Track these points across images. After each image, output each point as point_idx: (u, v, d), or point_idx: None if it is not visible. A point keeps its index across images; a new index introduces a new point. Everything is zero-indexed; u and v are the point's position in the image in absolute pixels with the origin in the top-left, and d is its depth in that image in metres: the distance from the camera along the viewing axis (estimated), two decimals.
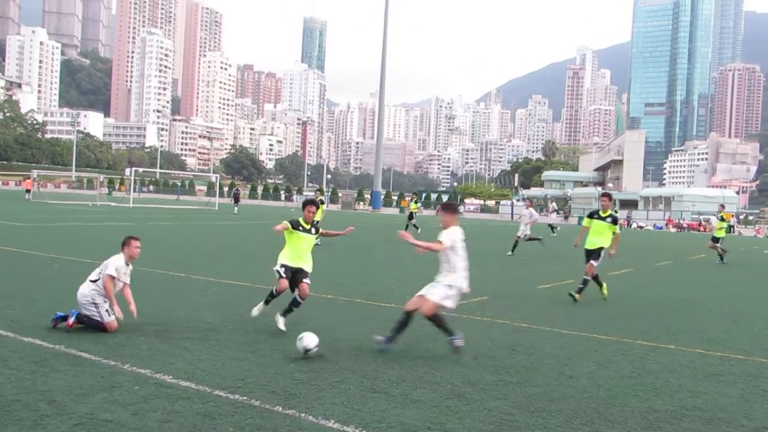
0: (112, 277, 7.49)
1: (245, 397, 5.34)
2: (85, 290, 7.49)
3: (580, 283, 11.79)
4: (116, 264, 7.62)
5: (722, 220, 23.90)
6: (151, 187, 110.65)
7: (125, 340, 7.06)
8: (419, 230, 29.01)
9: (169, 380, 5.68)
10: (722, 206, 25.76)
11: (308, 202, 8.37)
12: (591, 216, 12.26)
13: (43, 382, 5.48)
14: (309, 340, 6.73)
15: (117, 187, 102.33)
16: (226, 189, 59.59)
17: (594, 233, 12.03)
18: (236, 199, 50.12)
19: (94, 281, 7.51)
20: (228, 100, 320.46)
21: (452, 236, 7.02)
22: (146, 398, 5.20)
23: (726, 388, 6.38)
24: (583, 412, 5.42)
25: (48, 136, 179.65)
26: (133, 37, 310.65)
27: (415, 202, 32.39)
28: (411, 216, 30.66)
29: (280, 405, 5.19)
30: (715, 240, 23.16)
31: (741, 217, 62.41)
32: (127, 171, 79.49)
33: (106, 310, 7.40)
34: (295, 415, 5.00)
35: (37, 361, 6.07)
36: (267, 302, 8.09)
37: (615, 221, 12.10)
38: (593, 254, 11.89)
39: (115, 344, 6.84)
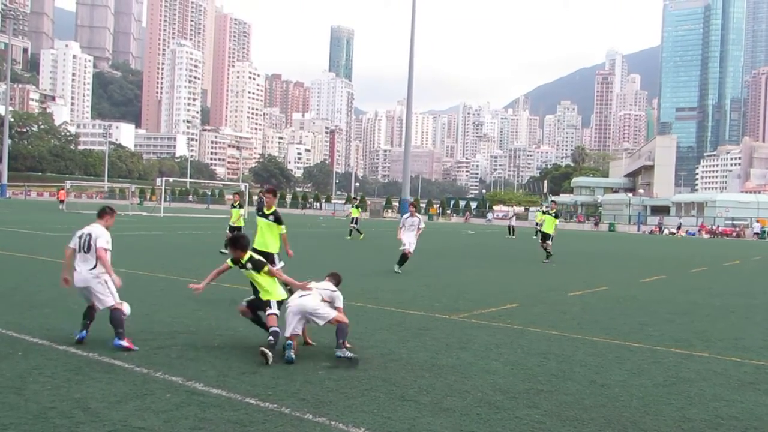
0: (107, 250, 7.26)
1: (276, 405, 5.37)
2: (87, 275, 7.18)
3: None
4: (107, 236, 7.34)
5: None
6: (191, 197, 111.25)
7: (157, 348, 7.15)
8: (362, 236, 29.64)
9: (201, 388, 5.74)
10: None
11: (266, 191, 10.15)
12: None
13: (77, 389, 5.57)
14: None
15: (148, 196, 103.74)
16: (255, 198, 59.93)
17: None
18: (260, 207, 50.31)
19: (93, 267, 7.20)
20: (257, 109, 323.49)
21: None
22: (178, 406, 5.25)
23: (762, 397, 6.25)
24: (615, 421, 5.35)
25: (81, 147, 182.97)
26: (163, 49, 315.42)
27: (356, 207, 32.85)
28: (354, 221, 31.30)
29: (311, 413, 5.21)
30: None
31: None
32: (158, 181, 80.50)
33: (114, 289, 7.29)
34: (325, 423, 5.02)
35: (72, 369, 6.17)
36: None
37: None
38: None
39: (147, 352, 6.93)
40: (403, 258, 15.57)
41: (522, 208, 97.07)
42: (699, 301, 13.47)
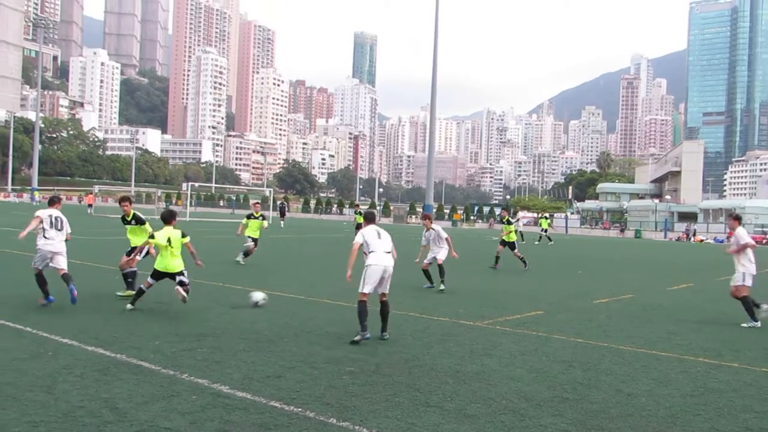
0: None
1: (300, 409, 5.39)
2: (61, 245, 9.96)
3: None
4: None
5: None
6: (222, 202, 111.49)
7: (183, 350, 7.22)
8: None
9: (226, 390, 5.78)
10: None
11: (121, 199, 11.73)
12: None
13: (105, 389, 5.65)
14: (256, 295, 9.11)
15: (174, 201, 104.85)
16: (278, 203, 60.30)
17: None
18: (282, 213, 50.57)
19: (65, 240, 10.13)
20: (281, 115, 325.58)
21: (362, 232, 8.56)
22: (204, 408, 5.30)
23: None
24: (642, 431, 5.30)
25: (108, 152, 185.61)
26: (189, 56, 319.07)
27: (359, 213, 33.13)
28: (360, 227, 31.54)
29: (335, 417, 5.23)
30: None
31: None
32: (184, 186, 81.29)
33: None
34: (349, 427, 5.03)
35: (100, 370, 6.26)
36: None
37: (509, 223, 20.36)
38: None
39: (173, 354, 7.01)
40: (441, 270, 13.88)
41: (547, 214, 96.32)
42: (727, 310, 13.25)
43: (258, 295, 9.22)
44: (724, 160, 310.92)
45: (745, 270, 11.00)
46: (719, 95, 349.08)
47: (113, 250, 18.83)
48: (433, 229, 14.32)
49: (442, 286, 13.73)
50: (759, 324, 10.83)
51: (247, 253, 17.76)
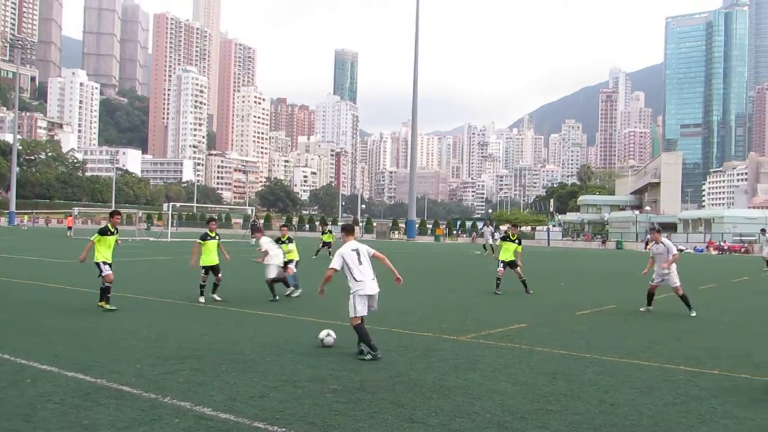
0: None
1: (284, 429, 5.36)
2: None
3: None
4: None
5: None
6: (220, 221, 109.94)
7: (165, 373, 7.16)
8: (315, 256, 30.81)
9: (209, 412, 5.74)
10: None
11: (112, 213, 12.81)
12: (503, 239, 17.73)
13: (86, 416, 5.58)
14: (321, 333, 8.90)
15: (155, 221, 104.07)
16: (251, 220, 59.73)
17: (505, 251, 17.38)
18: (254, 231, 50.03)
19: None
20: (262, 133, 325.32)
21: (341, 254, 8.31)
22: (186, 431, 5.25)
23: None
24: None
25: (88, 174, 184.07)
26: (169, 75, 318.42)
27: (328, 233, 34.25)
28: (327, 245, 32.84)
29: None
30: None
31: None
32: (165, 206, 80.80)
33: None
34: None
35: (80, 396, 6.19)
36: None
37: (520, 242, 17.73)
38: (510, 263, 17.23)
39: (155, 377, 6.94)
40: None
41: (529, 228, 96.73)
42: (708, 318, 13.39)
43: (323, 333, 8.95)
44: (702, 171, 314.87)
45: (665, 272, 12.96)
46: (696, 107, 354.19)
47: (93, 273, 18.65)
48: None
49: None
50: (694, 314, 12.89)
51: (281, 281, 15.11)
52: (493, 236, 40.62)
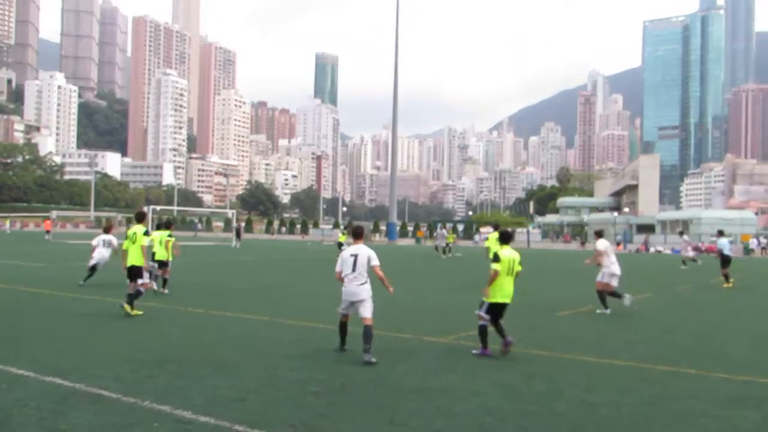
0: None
1: (265, 431, 5.33)
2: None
3: None
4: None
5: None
6: (199, 226, 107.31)
7: (145, 377, 7.09)
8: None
9: (189, 416, 5.70)
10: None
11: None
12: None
13: (64, 420, 5.52)
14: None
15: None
16: (243, 224, 59.42)
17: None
18: (238, 234, 49.95)
19: None
20: (243, 136, 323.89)
21: (341, 257, 8.66)
22: None
23: (750, 413, 6.29)
24: None
25: (66, 177, 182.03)
26: (149, 78, 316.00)
27: (343, 233, 35.30)
28: (340, 245, 32.92)
29: None
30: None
31: (762, 238, 61.49)
32: (145, 209, 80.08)
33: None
34: None
35: (57, 401, 6.11)
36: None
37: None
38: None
39: (134, 381, 6.88)
40: None
41: (509, 229, 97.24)
42: (685, 318, 13.54)
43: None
44: (680, 173, 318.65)
45: (607, 270, 13.87)
46: (673, 110, 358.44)
47: (72, 277, 18.45)
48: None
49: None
50: (609, 311, 13.49)
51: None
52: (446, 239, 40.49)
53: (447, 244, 40.03)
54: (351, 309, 8.50)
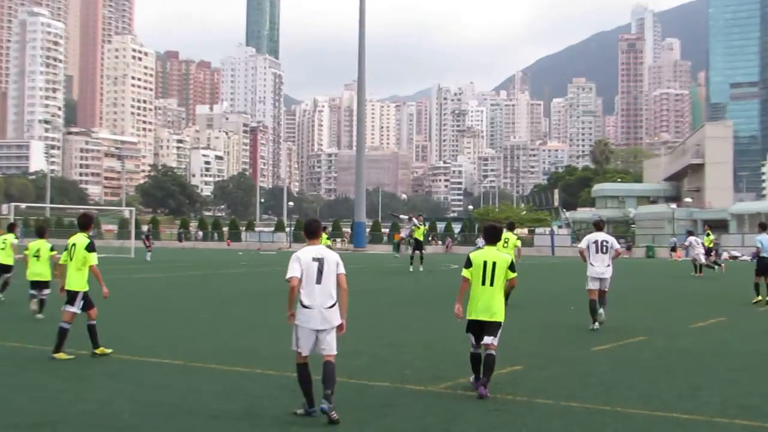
0: None
1: None
2: None
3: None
4: None
5: None
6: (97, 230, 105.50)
7: None
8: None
9: None
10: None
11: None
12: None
13: None
14: None
15: None
16: (146, 227, 59.26)
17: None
18: (148, 241, 49.98)
19: None
20: (145, 101, 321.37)
21: (298, 259, 8.08)
22: None
23: None
24: None
25: None
26: (9, 21, 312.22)
27: (327, 237, 34.26)
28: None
29: None
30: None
31: None
32: (4, 208, 79.21)
33: None
34: None
35: None
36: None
37: None
38: None
39: None
40: None
41: (526, 230, 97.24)
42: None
43: None
44: (762, 147, 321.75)
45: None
46: (751, 59, 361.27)
47: None
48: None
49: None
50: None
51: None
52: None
53: (411, 238, 38.83)
54: (313, 343, 7.95)
